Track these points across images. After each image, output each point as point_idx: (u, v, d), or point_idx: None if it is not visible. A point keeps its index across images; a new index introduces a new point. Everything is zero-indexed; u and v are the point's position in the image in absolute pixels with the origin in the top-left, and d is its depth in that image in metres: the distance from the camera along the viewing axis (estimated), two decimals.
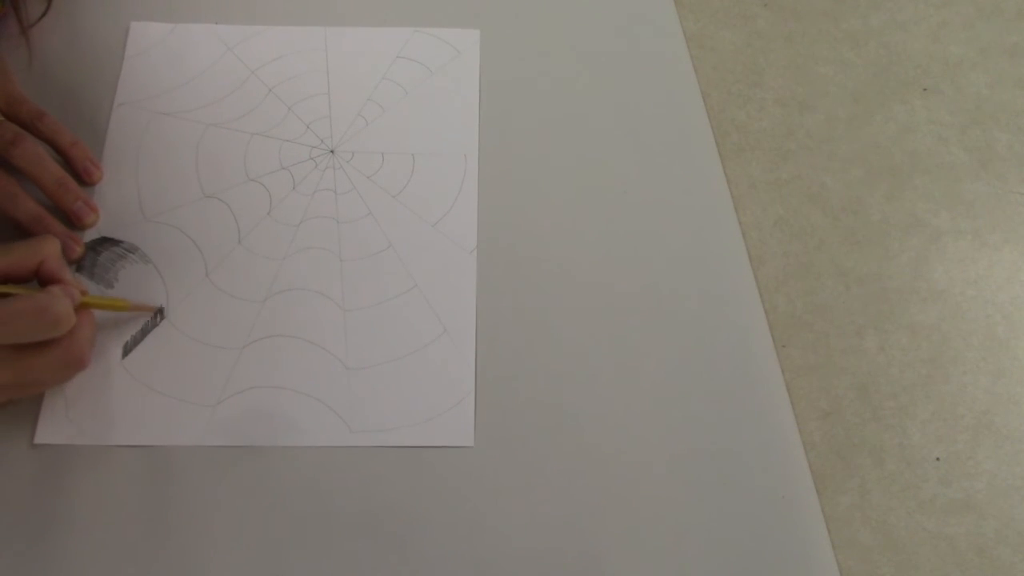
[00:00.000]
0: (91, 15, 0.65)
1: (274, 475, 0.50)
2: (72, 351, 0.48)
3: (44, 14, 0.61)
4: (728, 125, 1.57)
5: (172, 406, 0.52)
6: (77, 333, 0.48)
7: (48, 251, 0.50)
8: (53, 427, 0.51)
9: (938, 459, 1.30)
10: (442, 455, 0.51)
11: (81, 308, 0.50)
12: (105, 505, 0.49)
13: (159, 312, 0.54)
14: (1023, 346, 1.39)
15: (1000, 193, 1.52)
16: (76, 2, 0.66)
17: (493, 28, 0.66)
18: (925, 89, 1.62)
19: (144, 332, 0.54)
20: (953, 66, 1.65)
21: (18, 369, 0.47)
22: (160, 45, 0.64)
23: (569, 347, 0.55)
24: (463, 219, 0.59)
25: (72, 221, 0.57)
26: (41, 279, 0.49)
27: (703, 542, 0.50)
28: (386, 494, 0.50)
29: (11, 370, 0.47)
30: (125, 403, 0.52)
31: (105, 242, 0.57)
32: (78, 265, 0.56)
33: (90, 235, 0.57)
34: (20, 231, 0.56)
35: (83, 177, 0.58)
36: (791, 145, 1.56)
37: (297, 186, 0.59)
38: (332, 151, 0.61)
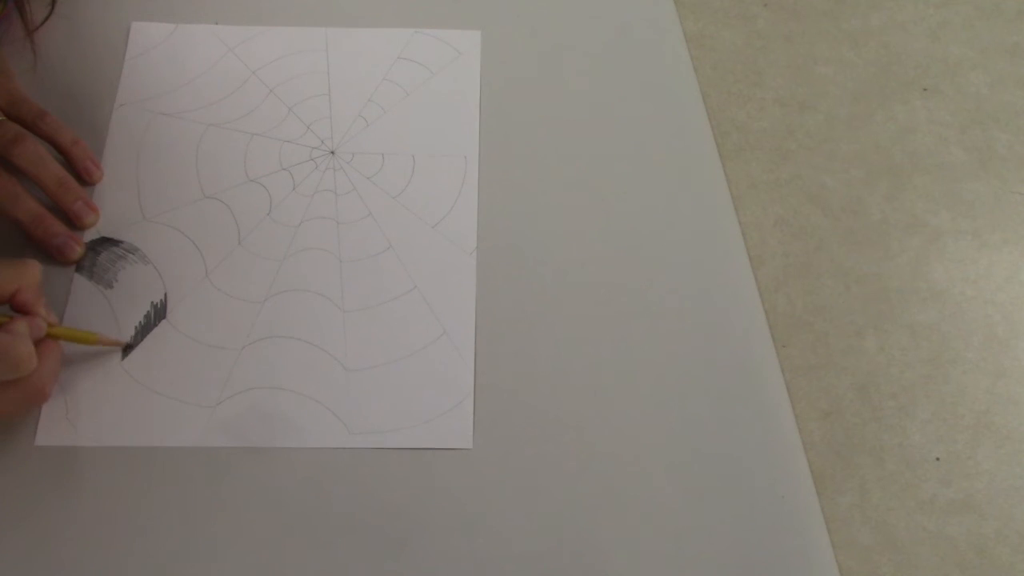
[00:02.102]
0: (92, 16, 0.65)
1: (273, 476, 0.50)
2: (32, 386, 0.48)
3: (47, 17, 0.61)
4: (728, 125, 1.57)
5: (172, 407, 0.52)
6: (39, 367, 0.47)
7: (26, 280, 0.49)
8: (54, 429, 0.51)
9: (938, 459, 1.30)
10: (441, 457, 0.51)
11: (47, 339, 0.49)
12: (105, 506, 0.49)
13: (127, 348, 0.54)
14: (1023, 346, 1.39)
15: (1000, 193, 1.52)
16: (77, 3, 0.66)
17: (494, 29, 0.66)
18: (925, 89, 1.62)
19: (144, 332, 0.54)
20: (953, 66, 1.65)
21: None
22: (161, 46, 0.64)
23: (568, 348, 0.55)
24: (463, 220, 0.59)
25: (72, 221, 0.57)
26: (14, 307, 0.49)
27: (703, 542, 0.50)
28: (385, 496, 0.50)
29: None
30: (125, 404, 0.52)
31: (105, 242, 0.57)
32: (78, 265, 0.56)
33: (90, 235, 0.57)
34: (21, 230, 0.56)
35: (84, 177, 0.58)
36: (791, 145, 1.56)
37: (297, 187, 0.59)
38: (332, 152, 0.61)
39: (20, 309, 0.49)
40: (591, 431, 0.52)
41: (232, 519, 0.49)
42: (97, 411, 0.52)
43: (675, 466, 0.52)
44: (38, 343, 0.48)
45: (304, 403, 0.52)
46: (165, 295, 0.55)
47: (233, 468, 0.50)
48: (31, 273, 0.49)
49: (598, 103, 0.64)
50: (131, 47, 0.64)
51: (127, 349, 0.53)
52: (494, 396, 0.53)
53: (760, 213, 1.49)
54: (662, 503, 0.50)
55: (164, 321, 0.54)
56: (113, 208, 0.58)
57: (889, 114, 1.59)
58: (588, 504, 0.50)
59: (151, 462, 0.50)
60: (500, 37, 0.66)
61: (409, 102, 0.63)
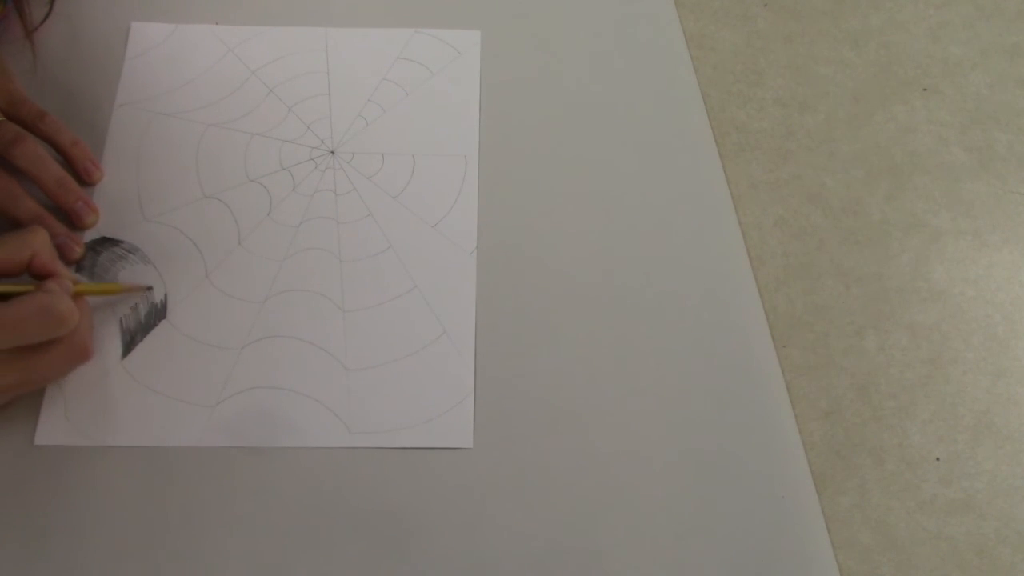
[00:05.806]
0: (92, 16, 0.65)
1: (273, 476, 0.50)
2: (76, 344, 0.48)
3: (47, 17, 0.61)
4: (728, 125, 1.57)
5: (171, 406, 0.52)
6: (78, 325, 0.48)
7: (39, 244, 0.49)
8: (53, 428, 0.51)
9: (938, 459, 1.30)
10: (441, 456, 0.51)
11: (75, 297, 0.49)
12: (105, 506, 0.49)
13: (149, 291, 0.54)
14: (1023, 346, 1.39)
15: (1000, 193, 1.52)
16: (77, 3, 0.66)
17: (494, 29, 0.66)
18: (925, 89, 1.62)
19: (145, 330, 0.54)
20: (953, 66, 1.65)
21: (24, 369, 0.47)
22: (161, 46, 0.64)
23: (569, 348, 0.55)
24: (463, 220, 0.59)
25: (72, 221, 0.57)
26: (33, 272, 0.49)
27: (703, 542, 0.50)
28: (385, 495, 0.50)
29: (17, 371, 0.47)
30: (125, 403, 0.52)
31: (105, 242, 0.57)
32: (78, 265, 0.56)
33: (90, 235, 0.57)
34: None
35: (83, 177, 0.58)
36: (791, 145, 1.56)
37: (297, 187, 0.59)
38: (332, 152, 0.61)
39: (40, 273, 0.49)
40: (591, 430, 0.52)
41: (232, 519, 0.49)
42: (97, 411, 0.52)
43: (675, 466, 0.52)
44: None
45: (304, 403, 0.52)
46: (165, 295, 0.55)
47: (233, 468, 0.50)
48: (41, 237, 0.50)
49: (598, 103, 0.64)
50: (131, 47, 0.64)
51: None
52: (494, 395, 0.53)
53: (760, 213, 1.49)
54: (662, 503, 0.50)
55: (164, 321, 0.54)
56: (113, 208, 0.58)
57: (889, 114, 1.59)
58: (588, 504, 0.50)
59: (151, 462, 0.50)
60: (500, 37, 0.66)
61: (409, 102, 0.63)
